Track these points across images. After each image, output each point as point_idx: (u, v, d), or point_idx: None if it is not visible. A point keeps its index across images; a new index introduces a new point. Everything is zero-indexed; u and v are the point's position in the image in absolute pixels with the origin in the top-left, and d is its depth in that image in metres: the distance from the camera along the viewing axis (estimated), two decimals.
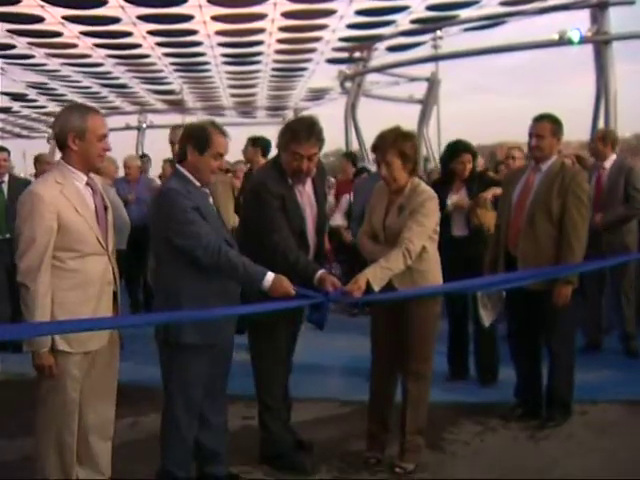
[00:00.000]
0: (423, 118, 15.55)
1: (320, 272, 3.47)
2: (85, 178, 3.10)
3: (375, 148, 3.87)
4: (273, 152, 4.90)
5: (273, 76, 17.82)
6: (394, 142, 3.74)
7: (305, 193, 3.92)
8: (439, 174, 6.30)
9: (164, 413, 3.44)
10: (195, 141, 3.33)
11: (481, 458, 4.10)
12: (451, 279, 5.51)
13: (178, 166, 3.40)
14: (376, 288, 3.51)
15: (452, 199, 5.36)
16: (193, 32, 12.32)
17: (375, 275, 3.55)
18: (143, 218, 7.27)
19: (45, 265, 2.89)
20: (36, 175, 7.72)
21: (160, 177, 8.50)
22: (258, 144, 7.12)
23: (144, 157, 10.23)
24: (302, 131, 3.74)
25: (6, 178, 7.06)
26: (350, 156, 9.23)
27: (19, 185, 7.09)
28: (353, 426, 4.36)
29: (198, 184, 3.35)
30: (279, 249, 3.65)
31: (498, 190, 5.13)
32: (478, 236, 5.26)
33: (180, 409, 3.35)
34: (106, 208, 3.21)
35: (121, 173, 8.42)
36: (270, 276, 3.17)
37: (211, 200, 3.44)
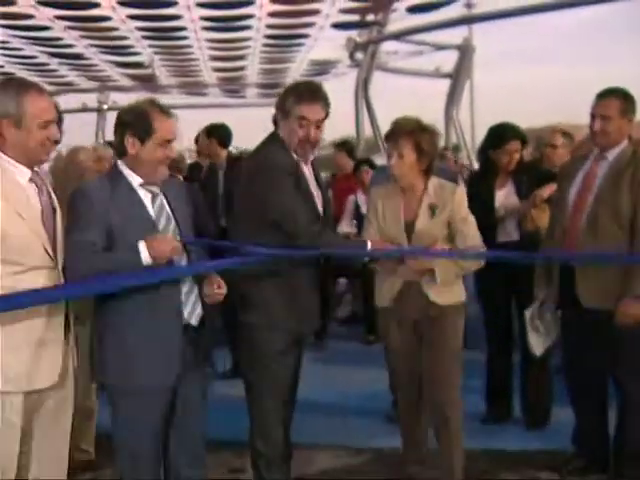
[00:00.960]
0: (452, 96, 15.57)
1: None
2: (29, 173, 3.03)
3: (388, 136, 4.15)
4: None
5: (266, 45, 17.85)
6: (411, 132, 4.03)
7: (310, 175, 4.05)
8: (479, 165, 6.26)
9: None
10: (133, 128, 3.32)
11: None
12: (495, 298, 5.54)
13: (118, 162, 3.40)
14: (438, 280, 3.98)
15: (501, 200, 5.35)
16: None
17: (447, 267, 4.01)
18: None
19: None
20: None
21: None
22: (214, 134, 7.20)
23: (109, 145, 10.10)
24: (307, 92, 3.92)
25: None
26: (345, 145, 9.13)
27: None
28: None
29: (139, 181, 3.34)
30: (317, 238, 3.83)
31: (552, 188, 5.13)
32: (530, 242, 5.24)
33: (125, 462, 3.45)
34: (55, 210, 3.14)
35: None
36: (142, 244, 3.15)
37: (160, 201, 3.39)
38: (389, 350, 4.30)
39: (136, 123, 3.32)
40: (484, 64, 24.50)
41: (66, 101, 24.12)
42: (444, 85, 15.65)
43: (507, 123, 5.58)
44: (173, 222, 3.39)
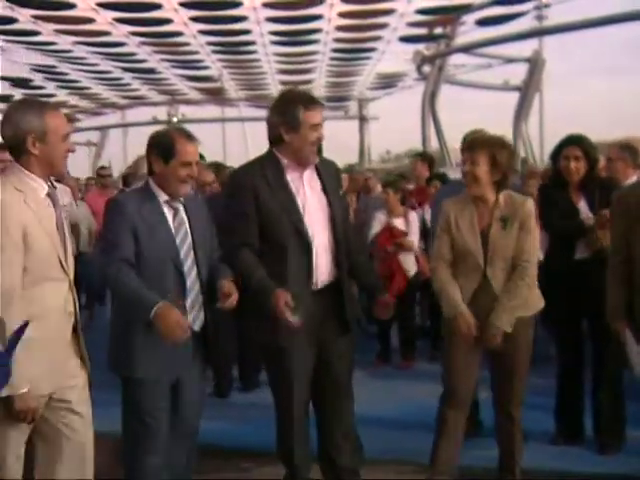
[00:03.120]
0: (521, 109, 15.36)
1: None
2: (46, 187, 3.14)
3: (466, 146, 4.20)
4: None
5: (333, 59, 17.95)
6: (487, 142, 4.13)
7: (309, 183, 4.07)
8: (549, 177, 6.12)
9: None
10: (158, 150, 3.66)
11: None
12: (565, 315, 5.40)
13: (149, 179, 3.73)
14: (509, 330, 4.04)
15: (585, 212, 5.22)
16: (236, 4, 12.50)
17: (502, 320, 4.07)
18: None
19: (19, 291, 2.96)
20: None
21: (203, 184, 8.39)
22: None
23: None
24: (307, 98, 4.05)
25: None
26: (426, 156, 9.02)
27: None
28: None
29: (165, 198, 3.65)
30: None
31: None
32: (599, 261, 5.10)
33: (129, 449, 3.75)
34: (62, 224, 3.28)
35: None
36: (158, 305, 3.40)
37: (180, 217, 3.68)
38: (451, 362, 4.31)
39: (161, 145, 3.68)
40: (554, 77, 24.15)
41: (137, 114, 24.70)
42: (513, 98, 15.47)
43: (572, 134, 5.45)
44: (189, 238, 3.71)
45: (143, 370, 3.66)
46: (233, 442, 5.52)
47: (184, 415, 3.85)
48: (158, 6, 12.28)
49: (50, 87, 19.83)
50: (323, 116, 4.27)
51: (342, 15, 13.36)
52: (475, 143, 4.18)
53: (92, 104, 23.22)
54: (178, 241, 3.63)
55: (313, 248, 4.03)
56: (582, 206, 5.20)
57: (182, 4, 12.31)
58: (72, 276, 3.21)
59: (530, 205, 4.20)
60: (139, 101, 23.55)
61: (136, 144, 21.13)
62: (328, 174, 4.15)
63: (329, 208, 4.08)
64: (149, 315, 3.40)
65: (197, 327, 3.69)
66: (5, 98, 20.86)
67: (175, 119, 24.27)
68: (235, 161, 8.69)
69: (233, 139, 24.04)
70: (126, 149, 25.10)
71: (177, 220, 3.68)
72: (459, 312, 4.16)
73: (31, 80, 18.70)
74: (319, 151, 4.19)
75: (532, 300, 4.28)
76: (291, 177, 4.03)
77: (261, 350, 4.40)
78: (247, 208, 4.03)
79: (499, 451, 4.47)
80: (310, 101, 4.09)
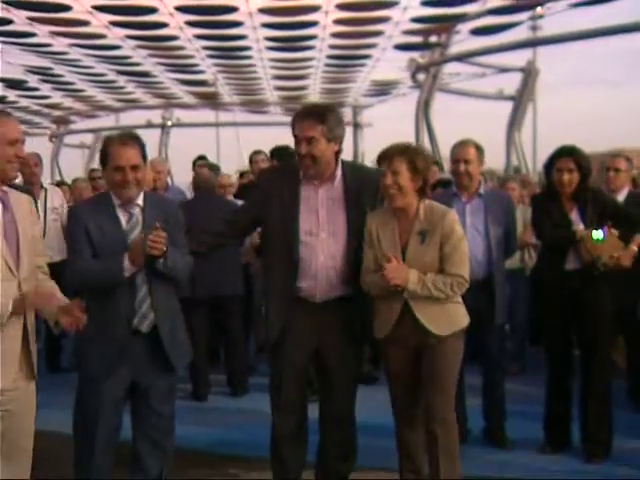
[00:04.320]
0: (515, 118, 15.42)
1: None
2: None
3: (381, 158, 4.10)
4: None
5: (328, 65, 17.95)
6: (404, 151, 4.00)
7: (326, 198, 4.12)
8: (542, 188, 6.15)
9: None
10: (100, 155, 3.88)
11: None
12: (555, 324, 5.42)
13: None
14: (411, 286, 3.88)
15: (578, 226, 5.24)
16: (232, 9, 12.50)
17: (423, 279, 3.89)
18: None
19: None
20: (24, 181, 7.78)
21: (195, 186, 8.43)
22: (275, 156, 7.35)
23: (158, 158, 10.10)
24: (301, 109, 4.20)
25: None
26: (436, 162, 9.11)
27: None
28: None
29: (118, 202, 3.83)
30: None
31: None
32: (590, 272, 5.13)
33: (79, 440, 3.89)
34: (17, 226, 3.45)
35: None
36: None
37: (137, 220, 3.83)
38: (390, 377, 4.23)
39: (101, 151, 3.90)
40: (548, 87, 24.23)
41: (131, 117, 24.68)
42: (506, 107, 15.51)
43: (565, 144, 5.47)
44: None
45: (93, 368, 3.76)
46: (222, 448, 5.54)
47: (143, 422, 3.89)
48: (154, 10, 12.29)
49: (45, 89, 19.80)
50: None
51: (338, 22, 13.38)
52: (392, 152, 4.02)
53: (86, 106, 23.20)
54: (129, 242, 3.72)
55: (301, 266, 4.09)
56: (574, 216, 5.24)
57: (178, 8, 12.30)
58: (25, 276, 3.32)
59: (451, 218, 4.03)
60: (133, 104, 23.54)
61: None
62: (357, 188, 4.14)
63: (347, 225, 4.10)
64: (122, 264, 3.64)
65: (145, 329, 3.78)
66: None
67: (169, 122, 24.27)
68: (228, 165, 8.67)
69: (227, 143, 24.02)
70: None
71: (130, 223, 3.80)
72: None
73: (26, 82, 18.66)
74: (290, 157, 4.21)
75: (457, 315, 4.13)
76: (307, 192, 4.08)
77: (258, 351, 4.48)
78: (252, 207, 4.33)
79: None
80: (296, 117, 4.10)
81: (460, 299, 4.10)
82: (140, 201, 3.85)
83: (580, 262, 5.18)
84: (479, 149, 5.42)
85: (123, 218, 3.82)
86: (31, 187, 7.42)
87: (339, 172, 4.16)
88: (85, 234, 3.76)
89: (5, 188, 3.50)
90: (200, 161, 8.45)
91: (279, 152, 7.45)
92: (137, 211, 3.84)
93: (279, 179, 4.27)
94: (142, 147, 3.88)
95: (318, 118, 4.05)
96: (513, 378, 6.81)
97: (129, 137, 3.92)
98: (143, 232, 3.70)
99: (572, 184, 5.26)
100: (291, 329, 4.15)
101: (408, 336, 4.02)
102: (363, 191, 4.16)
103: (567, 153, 5.31)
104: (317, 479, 4.49)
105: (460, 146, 5.37)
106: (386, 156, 4.02)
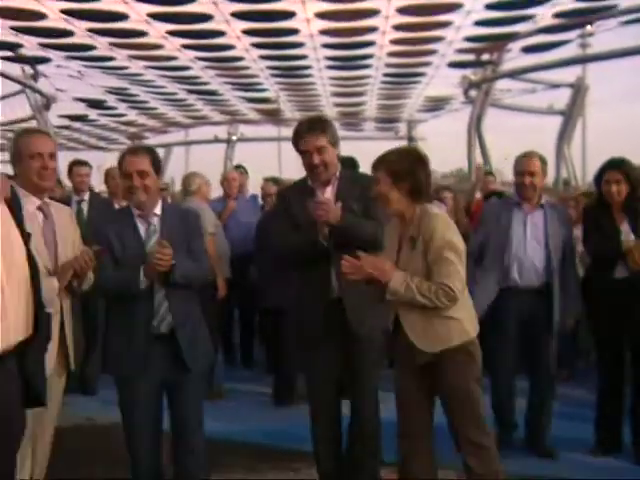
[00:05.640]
0: (564, 132, 15.20)
1: None
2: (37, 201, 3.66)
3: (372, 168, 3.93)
4: None
5: (384, 82, 17.91)
6: (382, 159, 3.80)
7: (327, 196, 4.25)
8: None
9: None
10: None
11: None
12: (607, 329, 5.35)
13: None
14: (392, 284, 3.60)
15: (625, 234, 5.18)
16: (294, 31, 12.58)
17: (408, 281, 3.60)
18: (245, 244, 7.50)
19: None
20: (109, 192, 7.99)
21: (263, 197, 8.59)
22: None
23: (239, 168, 10.06)
24: (302, 125, 4.32)
25: (86, 196, 7.41)
26: (492, 174, 9.17)
27: (100, 204, 7.44)
28: None
29: (138, 212, 3.91)
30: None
31: None
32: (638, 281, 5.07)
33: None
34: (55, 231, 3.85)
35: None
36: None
37: (154, 229, 3.90)
38: (399, 400, 3.91)
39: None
40: (597, 102, 23.88)
41: (200, 133, 24.94)
42: (556, 122, 15.28)
43: (614, 157, 5.41)
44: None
45: (124, 369, 3.87)
46: (286, 443, 5.61)
47: (177, 415, 3.97)
48: (222, 33, 12.44)
49: (121, 107, 20.14)
50: (373, 136, 4.45)
51: (394, 42, 13.37)
52: (374, 163, 3.85)
53: (158, 123, 23.54)
54: (147, 249, 3.81)
55: (332, 262, 4.17)
56: (624, 227, 5.18)
57: (244, 31, 12.45)
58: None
59: (434, 223, 3.68)
60: (201, 120, 23.79)
61: (197, 161, 21.14)
62: (346, 191, 4.28)
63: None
64: (139, 277, 3.74)
65: (164, 329, 3.86)
66: (81, 117, 21.31)
67: (234, 137, 24.45)
68: (289, 177, 8.78)
69: (288, 157, 24.16)
70: (188, 166, 25.32)
71: (149, 232, 3.88)
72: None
73: (105, 101, 19.00)
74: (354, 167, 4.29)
75: (450, 331, 3.73)
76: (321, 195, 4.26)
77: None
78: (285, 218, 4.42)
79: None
80: (299, 131, 4.29)
81: (459, 314, 3.72)
82: (158, 211, 3.94)
83: (629, 271, 5.13)
84: (543, 161, 5.36)
85: (142, 227, 3.90)
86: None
87: (337, 175, 4.33)
88: (107, 245, 3.84)
89: (47, 200, 3.83)
90: (268, 180, 8.65)
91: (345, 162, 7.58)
92: (155, 220, 3.92)
93: (297, 189, 4.49)
94: (152, 157, 3.94)
95: (321, 129, 4.23)
96: (562, 383, 6.74)
97: (140, 148, 4.09)
98: (159, 241, 3.78)
99: (621, 195, 5.20)
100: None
101: (403, 352, 3.79)
102: (350, 194, 4.24)
103: (616, 165, 5.26)
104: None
105: (525, 158, 5.32)
106: (372, 167, 3.89)
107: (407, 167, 3.73)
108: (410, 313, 3.68)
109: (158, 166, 3.98)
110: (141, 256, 3.79)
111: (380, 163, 3.79)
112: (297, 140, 4.29)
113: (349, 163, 7.51)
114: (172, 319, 3.86)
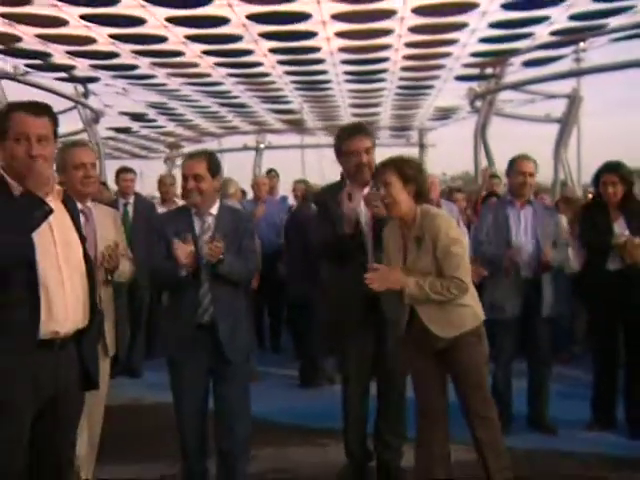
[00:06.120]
0: (561, 139, 15.07)
1: None
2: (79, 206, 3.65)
3: (374, 175, 3.92)
4: None
5: (398, 94, 17.88)
6: (392, 162, 3.78)
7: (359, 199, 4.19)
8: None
9: None
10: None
11: None
12: (603, 315, 5.35)
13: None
14: (407, 290, 3.60)
15: (617, 231, 5.19)
16: (316, 49, 12.59)
17: (421, 284, 3.59)
18: (274, 243, 7.58)
19: None
20: (162, 198, 8.13)
21: (295, 196, 8.73)
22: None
23: (271, 172, 10.18)
24: (349, 129, 4.31)
25: (131, 199, 7.55)
26: (497, 176, 9.15)
27: (145, 206, 7.56)
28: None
29: (194, 210, 3.95)
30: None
31: None
32: (633, 273, 5.07)
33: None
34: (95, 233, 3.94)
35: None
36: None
37: (208, 225, 3.92)
38: (416, 382, 3.93)
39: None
40: (591, 112, 23.63)
41: (231, 141, 25.00)
42: (554, 129, 15.18)
43: (611, 160, 5.42)
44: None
45: (174, 353, 3.93)
46: (315, 421, 5.65)
47: (221, 399, 3.95)
48: (250, 52, 12.50)
49: (161, 120, 20.26)
50: (388, 143, 4.46)
51: (406, 58, 13.39)
52: (380, 166, 3.84)
53: (194, 133, 23.62)
54: (200, 243, 3.84)
55: (369, 258, 4.18)
56: (619, 224, 5.19)
57: (271, 50, 12.50)
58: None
59: (439, 221, 3.70)
60: (232, 130, 23.86)
61: (229, 167, 21.24)
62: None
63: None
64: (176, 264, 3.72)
65: (205, 319, 3.85)
66: (125, 129, 21.44)
67: (262, 145, 24.50)
68: (312, 182, 8.88)
69: (311, 163, 24.11)
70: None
71: (203, 229, 3.91)
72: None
73: (146, 114, 19.13)
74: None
75: (463, 317, 3.77)
76: (354, 194, 4.21)
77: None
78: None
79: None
80: (344, 135, 4.30)
81: (469, 301, 3.76)
82: (214, 210, 3.95)
83: (622, 263, 5.13)
84: (536, 164, 5.46)
85: (197, 225, 3.92)
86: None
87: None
88: (162, 238, 3.87)
89: (89, 204, 3.93)
90: (300, 182, 8.81)
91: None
92: (210, 219, 3.92)
93: (330, 192, 4.43)
94: (209, 161, 3.89)
95: (367, 132, 4.24)
96: (562, 365, 6.74)
97: (199, 152, 4.04)
98: (211, 237, 3.82)
99: (617, 195, 5.22)
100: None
101: (420, 338, 3.78)
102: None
103: (612, 168, 5.28)
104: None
105: (524, 161, 5.37)
106: (377, 171, 3.85)
107: (413, 171, 3.76)
108: (426, 305, 3.70)
109: (216, 170, 3.94)
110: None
111: (390, 167, 3.77)
112: (344, 142, 4.22)
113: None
114: (214, 310, 3.83)
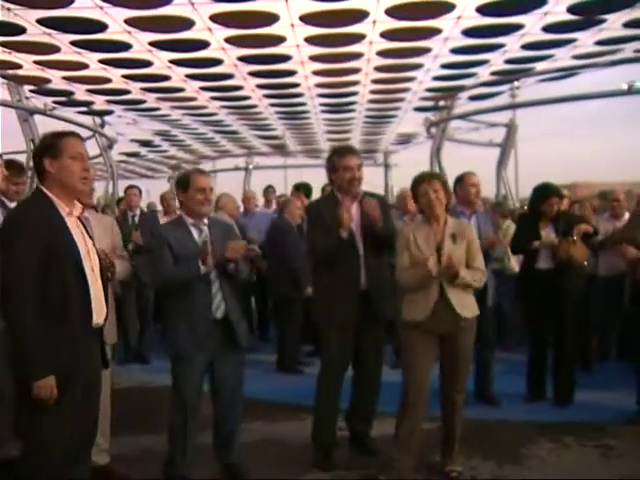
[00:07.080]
0: (502, 161, 15.31)
1: None
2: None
3: (417, 181, 3.98)
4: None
5: (366, 122, 18.04)
6: (437, 176, 4.09)
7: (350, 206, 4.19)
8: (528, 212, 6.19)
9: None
10: (178, 184, 3.84)
11: (555, 472, 4.04)
12: (535, 308, 5.48)
13: (181, 211, 3.70)
14: (462, 273, 3.74)
15: (544, 237, 5.35)
16: (296, 85, 12.70)
17: (466, 270, 3.79)
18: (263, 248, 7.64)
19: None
20: (164, 212, 8.23)
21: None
22: (300, 189, 8.11)
23: (269, 188, 10.39)
24: (344, 149, 4.29)
25: (138, 211, 7.76)
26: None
27: (147, 218, 7.66)
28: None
29: (191, 221, 3.85)
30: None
31: (588, 227, 5.19)
32: (564, 269, 5.22)
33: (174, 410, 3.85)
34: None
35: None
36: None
37: (205, 234, 3.83)
38: (412, 362, 3.88)
39: (180, 180, 3.91)
40: (526, 138, 23.98)
41: (224, 163, 24.96)
42: (495, 153, 15.44)
43: (548, 183, 5.57)
44: (210, 247, 3.73)
45: (186, 348, 3.71)
46: (295, 399, 5.66)
47: (220, 388, 3.86)
48: (240, 87, 12.57)
49: (165, 145, 20.25)
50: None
51: (372, 92, 13.57)
52: (431, 176, 4.04)
53: (192, 156, 23.56)
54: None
55: (361, 260, 4.19)
56: (547, 231, 5.35)
57: (258, 85, 12.58)
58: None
59: (472, 228, 4.11)
60: (225, 153, 23.84)
61: (222, 185, 21.17)
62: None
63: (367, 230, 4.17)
64: (198, 265, 3.60)
65: (219, 315, 3.77)
66: (135, 154, 21.38)
67: (251, 166, 24.47)
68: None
69: (293, 181, 24.17)
70: (215, 190, 25.22)
71: (201, 236, 3.82)
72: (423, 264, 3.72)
73: (152, 141, 19.14)
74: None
75: (474, 302, 3.96)
76: (346, 207, 4.19)
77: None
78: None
79: (442, 430, 4.04)
80: (342, 152, 4.30)
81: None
82: (206, 221, 3.91)
83: (551, 263, 5.29)
84: (479, 179, 5.60)
85: (195, 233, 3.84)
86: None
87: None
88: (167, 247, 3.72)
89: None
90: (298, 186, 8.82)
91: (303, 186, 8.17)
92: (205, 228, 3.87)
93: (325, 202, 4.42)
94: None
95: (358, 153, 4.28)
96: (505, 350, 6.86)
97: (204, 170, 4.01)
98: (206, 240, 3.73)
99: (559, 210, 5.42)
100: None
101: (440, 321, 3.81)
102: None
103: (555, 194, 5.44)
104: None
105: (474, 176, 5.48)
106: (423, 179, 3.97)
107: (448, 187, 4.06)
108: (455, 290, 3.83)
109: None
110: (196, 255, 3.73)
111: (438, 178, 4.01)
112: (340, 159, 4.14)
113: (304, 188, 7.96)
114: (225, 306, 3.80)
